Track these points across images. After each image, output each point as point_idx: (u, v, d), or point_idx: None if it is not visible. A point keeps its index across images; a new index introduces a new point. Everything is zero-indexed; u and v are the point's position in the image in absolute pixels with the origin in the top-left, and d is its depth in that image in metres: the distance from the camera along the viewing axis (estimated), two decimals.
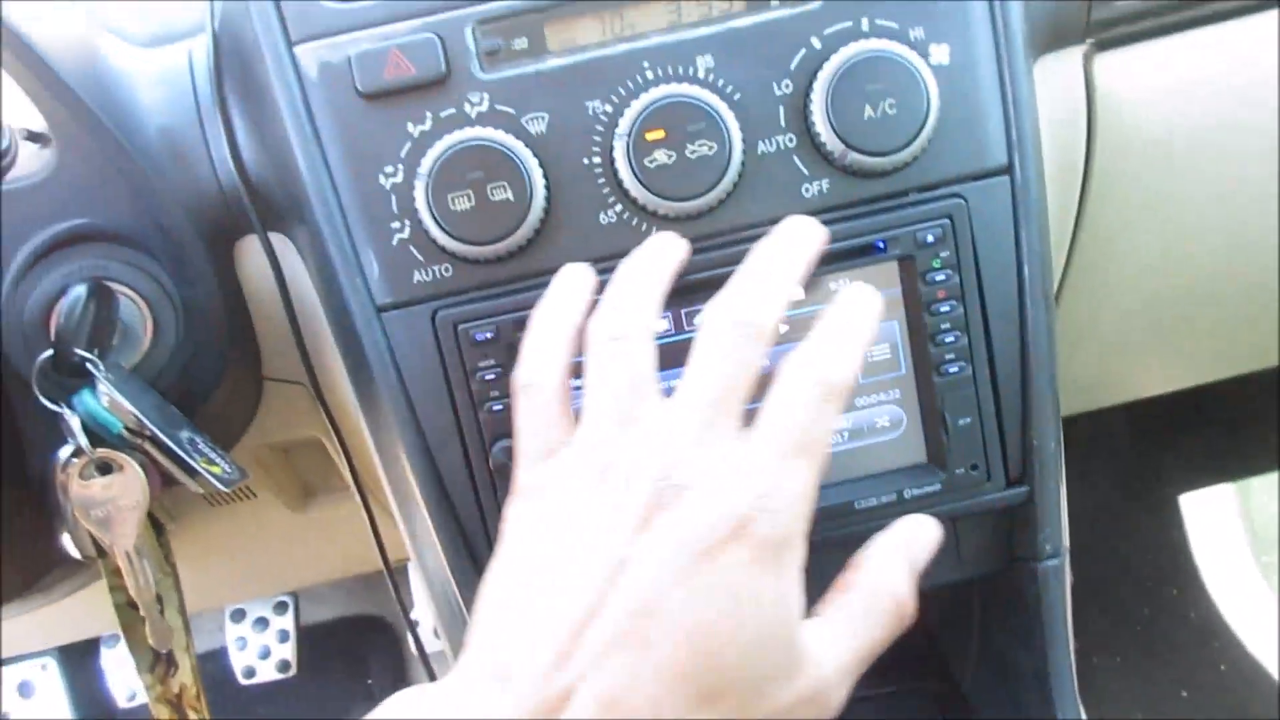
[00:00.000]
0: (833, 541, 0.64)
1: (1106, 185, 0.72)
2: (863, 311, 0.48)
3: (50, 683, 1.42)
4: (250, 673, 1.41)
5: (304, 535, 0.93)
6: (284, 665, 1.42)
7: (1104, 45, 0.69)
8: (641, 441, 0.44)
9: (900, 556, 0.50)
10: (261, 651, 1.41)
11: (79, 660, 1.44)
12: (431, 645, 1.43)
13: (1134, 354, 0.93)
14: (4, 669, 1.44)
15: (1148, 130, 0.71)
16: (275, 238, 0.66)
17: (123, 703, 1.42)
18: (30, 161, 0.64)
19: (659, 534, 0.41)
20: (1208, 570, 1.45)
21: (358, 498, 0.88)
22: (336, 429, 0.71)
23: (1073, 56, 0.68)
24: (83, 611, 1.02)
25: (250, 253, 0.68)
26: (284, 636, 1.42)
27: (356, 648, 1.47)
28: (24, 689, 1.44)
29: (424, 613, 1.44)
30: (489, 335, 0.60)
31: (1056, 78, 0.67)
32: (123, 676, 1.41)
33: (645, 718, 0.39)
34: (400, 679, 1.46)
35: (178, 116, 0.64)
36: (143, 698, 1.42)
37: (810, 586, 0.68)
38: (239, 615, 1.42)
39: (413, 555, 0.72)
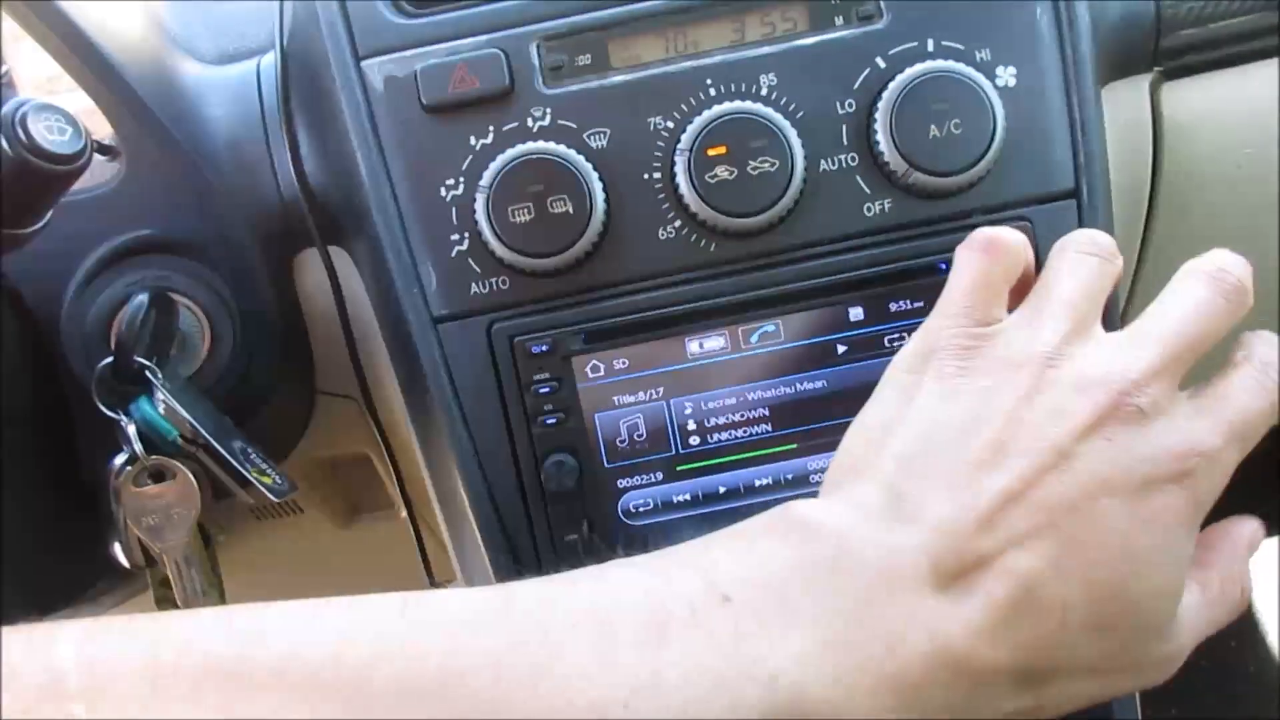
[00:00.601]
0: None
1: (1172, 215, 0.71)
2: None
3: None
4: None
5: (348, 554, 0.93)
6: None
7: (1171, 74, 0.68)
8: (1097, 352, 0.44)
9: (1248, 550, 0.49)
10: None
11: None
12: None
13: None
14: None
15: (1214, 160, 0.70)
16: (333, 252, 0.67)
17: None
18: (98, 172, 0.65)
19: (1112, 443, 0.41)
20: (1269, 623, 1.40)
21: (405, 515, 0.88)
22: (387, 444, 0.71)
23: (1140, 85, 0.67)
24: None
25: (308, 266, 0.68)
26: None
27: None
28: None
29: None
30: (545, 349, 0.59)
31: (1123, 106, 0.66)
32: None
33: (1050, 614, 0.39)
34: None
35: (244, 130, 0.65)
36: None
37: None
38: None
39: (459, 575, 0.72)
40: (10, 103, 0.45)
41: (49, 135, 0.45)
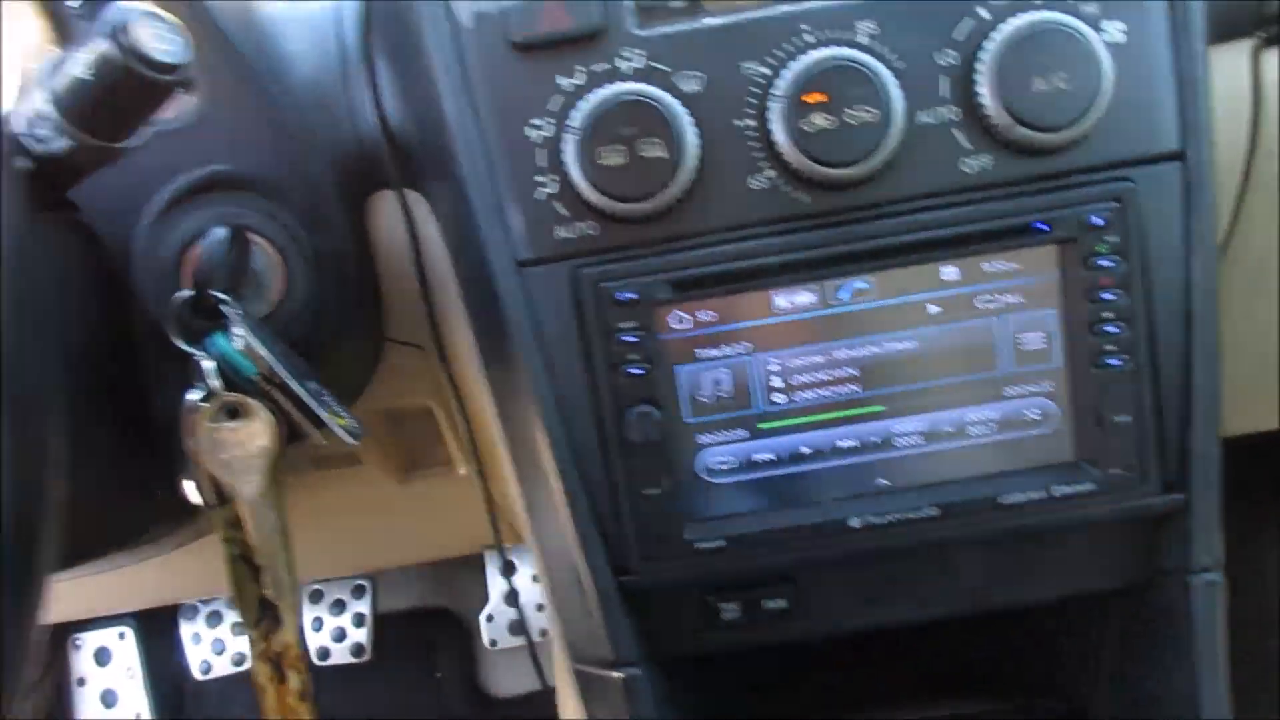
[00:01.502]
0: (976, 535, 0.62)
1: (1267, 185, 0.68)
2: None
3: (127, 651, 1.43)
4: (325, 654, 1.41)
5: (404, 509, 0.92)
6: (358, 649, 1.41)
7: (1273, 40, 0.66)
8: None
9: None
10: (336, 634, 1.41)
11: (156, 630, 1.44)
12: (504, 641, 1.42)
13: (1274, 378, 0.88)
14: (83, 634, 1.46)
15: None
16: (409, 196, 0.66)
17: (197, 675, 1.42)
18: (175, 106, 0.64)
19: None
20: None
21: (463, 471, 0.87)
22: (458, 394, 0.70)
23: (1241, 50, 0.65)
24: (167, 575, 1.03)
25: (382, 210, 0.67)
26: (360, 620, 1.41)
27: (427, 639, 1.46)
28: (101, 655, 1.45)
29: (498, 607, 1.43)
30: (631, 296, 0.58)
31: (1223, 71, 0.64)
32: (198, 650, 1.42)
33: None
34: (470, 673, 1.44)
35: (323, 68, 0.64)
36: (218, 670, 1.43)
37: (960, 583, 0.66)
38: (317, 596, 1.42)
39: (528, 529, 0.71)
40: (114, 7, 0.44)
41: (155, 43, 0.44)
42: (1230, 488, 0.62)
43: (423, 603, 1.48)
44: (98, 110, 0.45)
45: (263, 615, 0.75)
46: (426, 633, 1.47)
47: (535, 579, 1.41)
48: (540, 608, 1.40)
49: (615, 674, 0.65)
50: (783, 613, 0.66)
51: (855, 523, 0.61)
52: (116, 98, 0.45)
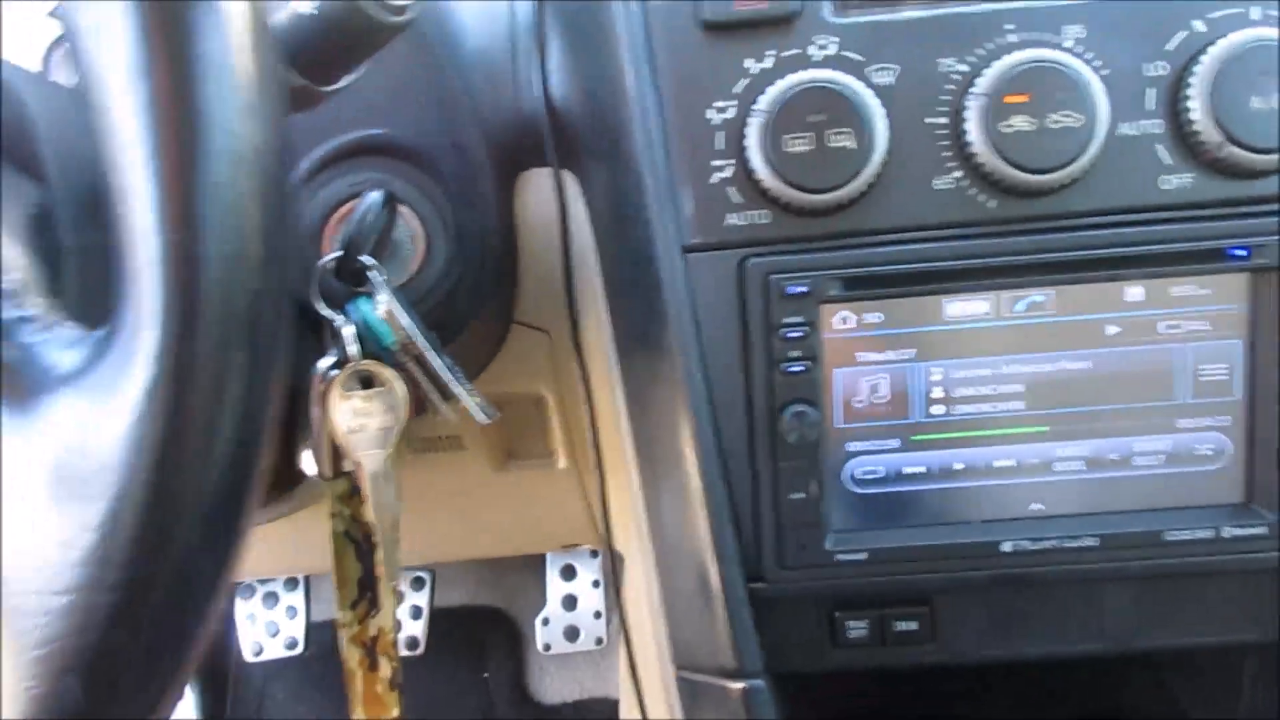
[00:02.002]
0: (1135, 572, 0.59)
1: None
2: None
3: None
4: (414, 644, 1.38)
5: (502, 498, 0.90)
6: (412, 643, 1.38)
7: None
8: None
9: None
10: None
11: None
12: (559, 647, 1.39)
13: None
14: None
15: None
16: (562, 176, 0.64)
17: (249, 656, 1.40)
18: None
19: None
20: None
21: (583, 461, 0.85)
22: (587, 383, 0.68)
23: None
24: (252, 551, 1.01)
25: (530, 189, 0.65)
26: (416, 613, 1.38)
27: (478, 638, 1.44)
28: None
29: (555, 611, 1.40)
30: (802, 290, 0.56)
31: None
32: (252, 630, 1.40)
33: None
34: (518, 676, 1.41)
35: (493, 39, 0.63)
36: (270, 653, 1.41)
37: (1106, 619, 0.62)
38: (419, 584, 1.40)
39: (646, 531, 0.68)
40: None
41: None
42: None
43: (476, 601, 1.45)
44: (314, 48, 0.43)
45: (361, 596, 0.72)
46: (478, 631, 1.44)
47: (596, 585, 1.39)
48: (598, 615, 1.37)
49: (735, 684, 0.62)
50: (913, 636, 0.63)
51: (1007, 547, 0.58)
52: (338, 36, 0.43)
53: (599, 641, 1.36)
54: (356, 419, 0.61)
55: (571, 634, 1.39)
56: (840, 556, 0.59)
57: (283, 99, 0.41)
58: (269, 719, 1.41)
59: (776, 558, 0.59)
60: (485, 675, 1.43)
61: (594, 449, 0.70)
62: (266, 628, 1.40)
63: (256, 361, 0.35)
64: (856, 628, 0.63)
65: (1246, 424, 0.58)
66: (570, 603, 1.39)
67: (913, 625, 0.62)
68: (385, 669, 0.73)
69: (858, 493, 0.59)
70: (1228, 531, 0.57)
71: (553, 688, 1.42)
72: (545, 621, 1.40)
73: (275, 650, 1.39)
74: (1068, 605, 0.62)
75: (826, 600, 0.63)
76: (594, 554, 1.40)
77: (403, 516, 0.91)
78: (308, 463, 0.65)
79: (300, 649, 1.38)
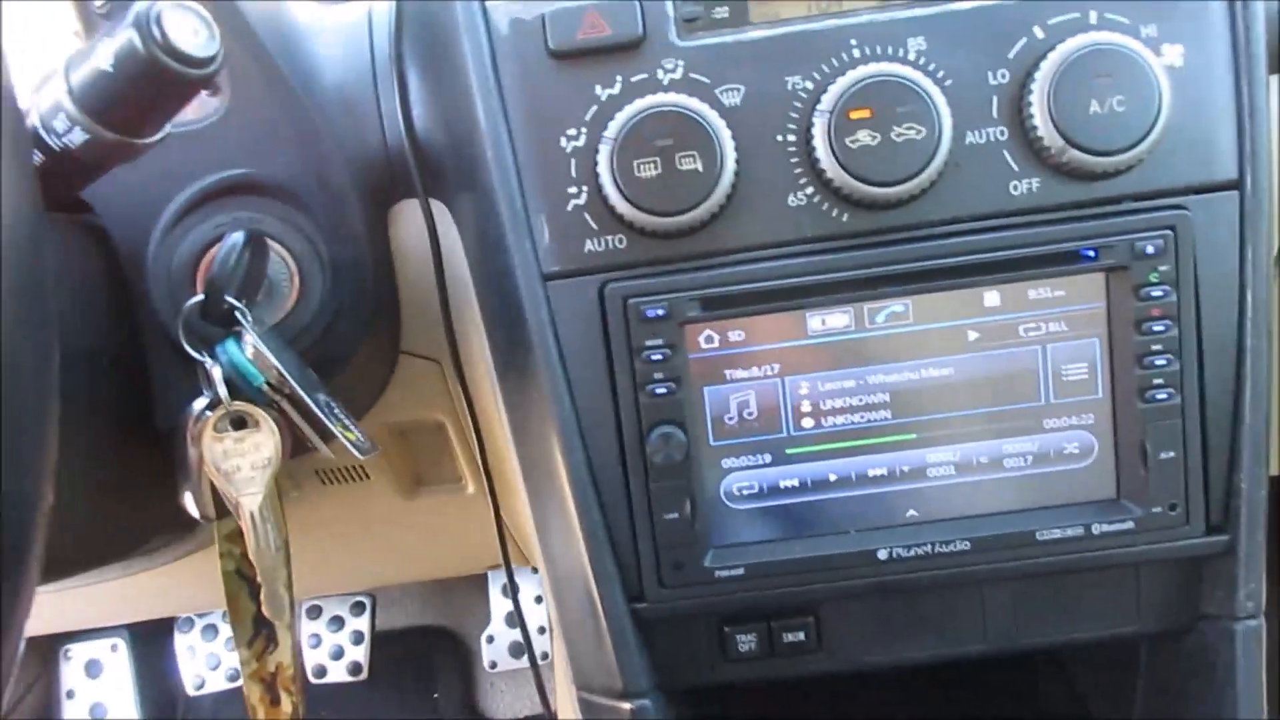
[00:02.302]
0: (1010, 572, 0.59)
1: None
2: None
3: (118, 663, 1.40)
4: (321, 672, 1.38)
5: (410, 525, 0.89)
6: (355, 668, 1.38)
7: None
8: None
9: None
10: (334, 651, 1.38)
11: (149, 643, 1.41)
12: (504, 664, 1.39)
13: None
14: (74, 645, 1.42)
15: None
16: (433, 206, 0.64)
17: (190, 690, 1.39)
18: (196, 107, 0.62)
19: None
20: None
21: (472, 489, 0.85)
22: (472, 409, 0.68)
23: None
24: (162, 588, 1.00)
25: (404, 220, 0.65)
26: (358, 638, 1.38)
27: (426, 659, 1.43)
28: (91, 668, 1.42)
29: (499, 629, 1.40)
30: (660, 313, 0.56)
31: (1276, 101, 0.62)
32: (193, 664, 1.39)
33: None
34: (468, 695, 1.41)
35: (353, 73, 0.62)
36: (212, 686, 1.39)
37: (988, 620, 0.63)
38: (316, 612, 1.39)
39: (538, 550, 0.68)
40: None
41: (186, 35, 0.42)
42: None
43: (422, 621, 1.45)
44: (118, 104, 0.43)
45: (257, 633, 0.72)
46: (425, 652, 1.44)
47: (539, 600, 1.39)
48: (543, 630, 1.37)
49: (624, 704, 0.62)
50: (801, 646, 0.63)
51: (883, 554, 0.59)
52: (139, 91, 0.42)
53: (544, 656, 1.36)
54: (230, 460, 0.61)
55: (517, 650, 1.39)
56: (720, 573, 0.60)
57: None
58: None
59: (656, 577, 0.60)
60: (435, 695, 1.42)
61: (485, 474, 0.70)
62: (207, 660, 1.39)
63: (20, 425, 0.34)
64: (745, 641, 0.63)
65: (1111, 421, 0.58)
66: (515, 619, 1.39)
67: (800, 636, 0.63)
68: (286, 705, 0.72)
69: (735, 508, 0.60)
70: (1097, 528, 0.58)
71: (503, 704, 1.42)
72: (490, 639, 1.39)
73: (217, 683, 1.38)
74: (949, 608, 0.63)
75: (715, 615, 0.63)
76: (535, 570, 1.39)
77: (315, 547, 0.90)
78: (191, 504, 0.64)
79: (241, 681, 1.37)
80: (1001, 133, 0.55)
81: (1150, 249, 0.55)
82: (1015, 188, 0.56)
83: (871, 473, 0.59)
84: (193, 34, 0.42)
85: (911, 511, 0.60)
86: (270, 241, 0.62)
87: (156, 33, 0.41)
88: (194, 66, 0.43)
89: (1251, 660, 0.60)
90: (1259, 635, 0.60)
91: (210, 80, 0.45)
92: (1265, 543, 0.59)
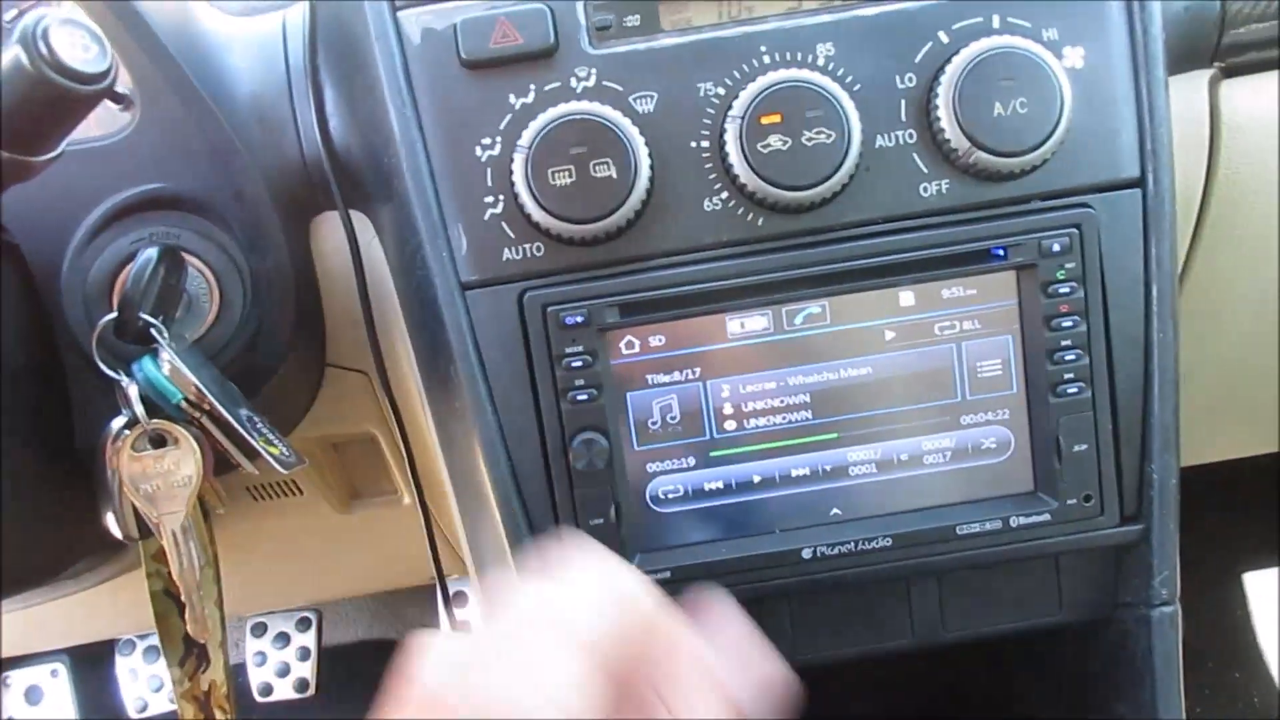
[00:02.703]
0: (932, 567, 0.60)
1: (1223, 218, 0.68)
2: None
3: (59, 689, 1.37)
4: (267, 690, 1.36)
5: (345, 539, 0.89)
6: (302, 685, 1.36)
7: (1231, 72, 0.66)
8: None
9: None
10: (280, 669, 1.36)
11: (90, 667, 1.39)
12: None
13: (1227, 408, 0.88)
14: (13, 672, 1.39)
15: (1267, 164, 0.67)
16: (353, 217, 0.63)
17: (133, 714, 1.36)
18: (108, 122, 0.62)
19: None
20: (1271, 654, 1.37)
21: (408, 500, 0.84)
22: (400, 421, 0.68)
23: (1198, 81, 0.65)
24: (102, 610, 0.99)
25: (324, 231, 0.65)
26: (304, 654, 1.36)
27: (375, 673, 1.41)
28: (32, 694, 1.39)
29: None
30: (579, 320, 0.56)
31: (1181, 102, 0.64)
32: (135, 686, 1.36)
33: None
34: None
35: (267, 84, 0.62)
36: (155, 708, 1.37)
37: (914, 615, 0.64)
38: (260, 629, 1.37)
39: (470, 561, 0.68)
40: (31, 13, 0.41)
41: (74, 51, 0.41)
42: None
43: (370, 635, 1.43)
44: (10, 122, 0.42)
45: (189, 652, 0.71)
46: (374, 667, 1.42)
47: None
48: None
49: None
50: None
51: (807, 553, 0.60)
52: (29, 109, 0.42)
53: None
54: (150, 479, 0.60)
55: None
56: (648, 576, 0.60)
57: None
58: None
59: None
60: None
61: (415, 485, 0.70)
62: (149, 683, 1.36)
63: None
64: None
65: (1026, 416, 0.59)
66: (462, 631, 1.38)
67: None
68: None
69: (661, 512, 0.60)
70: (1015, 521, 0.59)
71: None
72: None
73: (160, 705, 1.36)
74: (876, 604, 0.64)
75: None
76: None
77: (252, 564, 0.89)
78: (113, 525, 0.63)
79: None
80: (910, 136, 0.56)
81: (1057, 247, 0.56)
82: (925, 189, 0.57)
83: (795, 473, 0.60)
84: (82, 50, 0.42)
85: (835, 510, 0.60)
86: (187, 256, 0.61)
87: (43, 48, 0.40)
88: (84, 83, 0.42)
89: (1167, 645, 0.62)
90: (1174, 620, 0.61)
91: (102, 96, 0.44)
92: (1177, 531, 0.60)
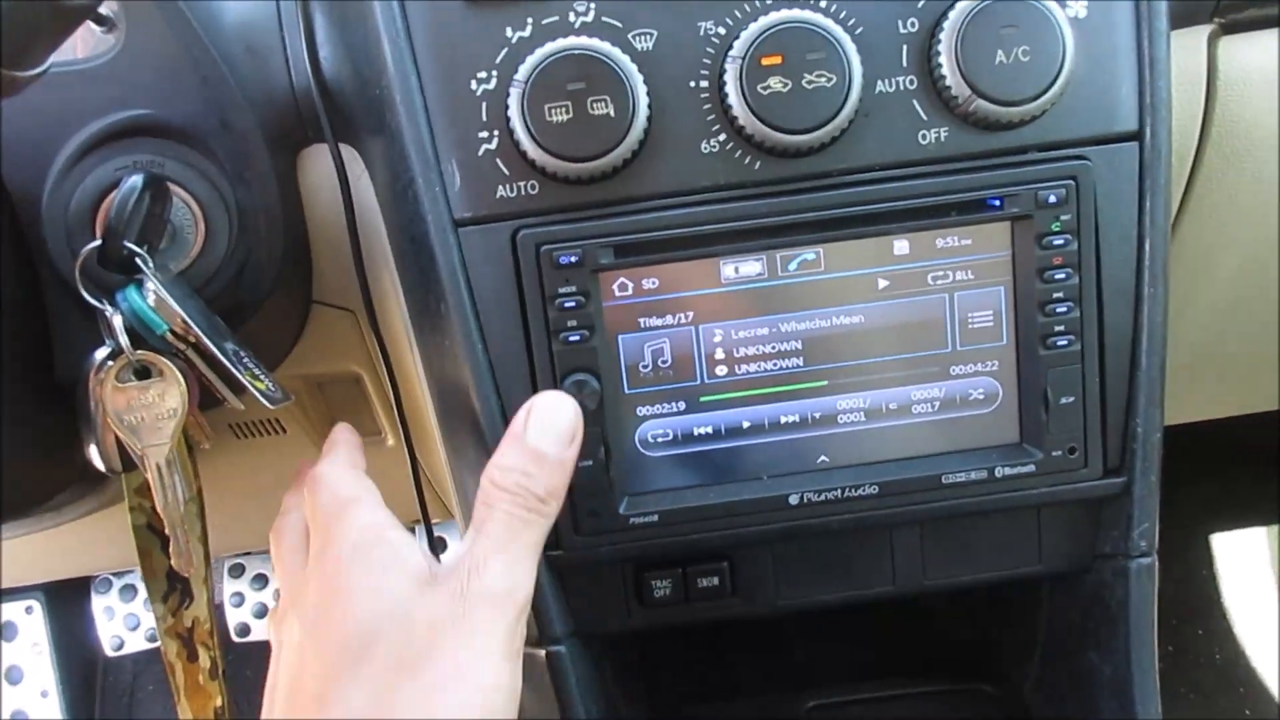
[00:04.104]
0: (917, 515, 0.61)
1: (1216, 171, 0.68)
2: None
3: (34, 625, 1.37)
4: (244, 630, 1.36)
5: None
6: None
7: (1230, 28, 0.65)
8: None
9: None
10: (257, 609, 1.36)
11: (66, 604, 1.38)
12: None
13: (1208, 368, 0.89)
14: None
15: (1261, 122, 0.67)
16: (342, 152, 0.62)
17: (109, 652, 1.36)
18: (91, 44, 0.60)
19: None
20: (1236, 613, 1.41)
21: (392, 442, 0.84)
22: (387, 360, 0.67)
23: (1198, 37, 0.65)
24: (80, 545, 0.98)
25: (314, 165, 0.64)
26: None
27: None
28: (6, 630, 1.39)
29: None
30: (573, 260, 0.56)
31: (1180, 56, 0.64)
32: (111, 625, 1.36)
33: None
34: None
35: (256, 11, 0.60)
36: (131, 646, 1.37)
37: (896, 563, 0.65)
38: (238, 570, 1.37)
39: (456, 503, 0.68)
40: None
41: None
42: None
43: None
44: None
45: (172, 588, 0.71)
46: None
47: None
48: None
49: (539, 651, 0.63)
50: (716, 591, 0.64)
51: (794, 499, 0.60)
52: (23, 22, 0.41)
53: None
54: (133, 411, 0.59)
55: None
56: (634, 519, 0.60)
57: None
58: (140, 716, 1.38)
59: (572, 525, 0.60)
60: None
61: (402, 426, 0.69)
62: (126, 621, 1.36)
63: None
64: (661, 587, 0.64)
65: (1015, 367, 0.60)
66: None
67: (714, 581, 0.64)
68: (204, 658, 0.72)
69: (649, 456, 0.60)
70: (1000, 471, 0.60)
71: None
72: None
73: (137, 643, 1.36)
74: (858, 552, 0.64)
75: (630, 562, 0.64)
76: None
77: (233, 502, 0.89)
78: (96, 457, 0.63)
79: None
80: (911, 81, 0.56)
81: (1053, 198, 0.56)
82: (924, 137, 0.56)
83: (784, 419, 0.60)
84: None
85: (823, 458, 0.61)
86: (172, 186, 0.60)
87: None
88: None
89: (1144, 595, 0.63)
90: (1151, 572, 0.63)
91: (90, 10, 0.43)
92: (1159, 485, 0.61)
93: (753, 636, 0.82)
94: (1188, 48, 0.64)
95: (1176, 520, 1.42)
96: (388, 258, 0.63)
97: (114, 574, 1.36)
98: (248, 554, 1.39)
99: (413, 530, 1.30)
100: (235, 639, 1.36)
